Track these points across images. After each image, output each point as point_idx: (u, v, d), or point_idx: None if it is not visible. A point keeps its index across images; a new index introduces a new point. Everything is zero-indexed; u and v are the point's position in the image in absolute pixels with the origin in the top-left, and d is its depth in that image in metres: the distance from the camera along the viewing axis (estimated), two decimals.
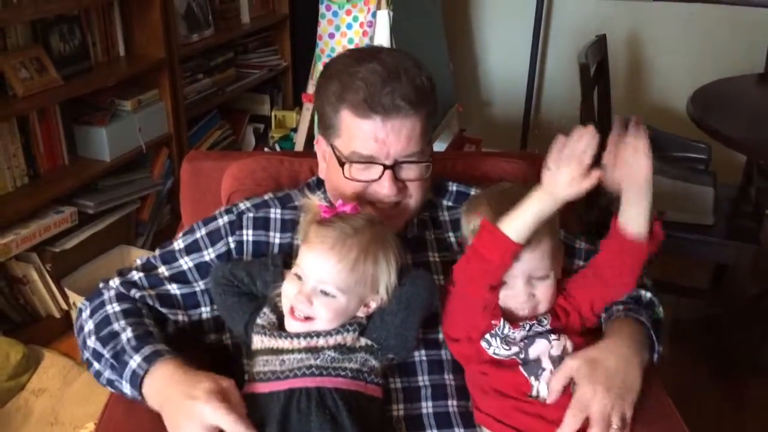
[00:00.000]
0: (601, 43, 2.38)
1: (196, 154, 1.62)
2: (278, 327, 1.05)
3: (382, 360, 1.05)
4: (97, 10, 2.45)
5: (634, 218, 1.02)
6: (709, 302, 2.56)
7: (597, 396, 1.01)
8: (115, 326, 1.09)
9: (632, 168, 0.98)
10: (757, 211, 2.31)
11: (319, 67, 2.62)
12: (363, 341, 1.03)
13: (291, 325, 1.04)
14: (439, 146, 2.89)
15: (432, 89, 1.16)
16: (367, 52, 1.17)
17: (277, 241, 1.20)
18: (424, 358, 1.12)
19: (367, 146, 1.11)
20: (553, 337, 1.06)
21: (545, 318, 1.07)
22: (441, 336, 1.13)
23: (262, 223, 1.21)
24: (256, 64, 3.24)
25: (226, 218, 1.22)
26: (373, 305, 1.05)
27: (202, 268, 1.18)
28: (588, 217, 2.21)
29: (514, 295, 1.06)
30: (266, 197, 1.26)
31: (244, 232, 1.20)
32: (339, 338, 1.02)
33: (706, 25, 3.02)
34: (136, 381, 1.02)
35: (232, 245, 1.20)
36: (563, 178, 0.95)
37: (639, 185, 0.99)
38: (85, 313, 1.15)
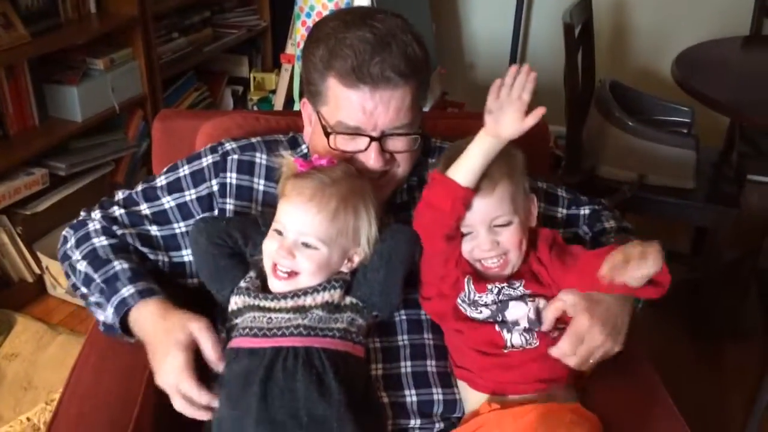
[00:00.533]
0: (586, 3, 2.33)
1: (168, 113, 1.58)
2: (261, 289, 1.04)
3: (368, 318, 1.03)
4: None
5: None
6: (690, 266, 2.57)
7: (593, 330, 1.01)
8: (104, 257, 1.10)
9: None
10: (738, 176, 2.31)
11: (297, 27, 2.56)
12: (348, 300, 1.02)
13: (274, 284, 1.02)
14: None
15: (425, 58, 1.10)
16: (358, 15, 1.10)
17: (261, 188, 1.18)
18: (404, 317, 1.11)
19: (354, 117, 1.06)
20: (530, 300, 1.04)
21: (518, 281, 1.05)
22: None
23: (246, 167, 1.19)
24: (233, 23, 3.16)
25: (210, 159, 1.21)
26: (356, 259, 1.04)
27: (183, 209, 1.18)
28: (570, 179, 2.19)
29: (478, 244, 1.04)
30: (254, 140, 1.24)
31: (228, 174, 1.19)
32: (326, 296, 1.00)
33: None
34: (122, 309, 1.04)
35: (215, 188, 1.19)
36: (506, 118, 0.96)
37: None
38: (71, 243, 1.16)
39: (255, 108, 3.06)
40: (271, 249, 1.02)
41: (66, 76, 2.35)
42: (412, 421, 1.05)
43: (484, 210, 1.02)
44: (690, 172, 2.13)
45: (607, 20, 3.07)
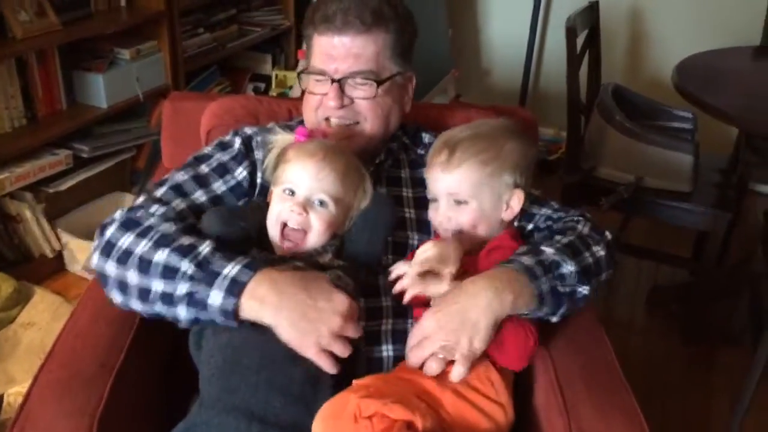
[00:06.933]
0: (592, 10, 2.39)
1: (179, 95, 1.68)
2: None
3: (354, 277, 1.07)
4: None
5: None
6: (690, 271, 2.60)
7: (428, 323, 1.02)
8: (184, 240, 1.00)
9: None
10: (741, 184, 2.34)
11: None
12: (336, 262, 1.07)
13: (280, 249, 1.07)
14: None
15: (398, 15, 1.21)
16: None
17: None
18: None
19: (321, 60, 1.20)
20: None
21: None
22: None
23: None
24: (258, 22, 3.27)
25: (238, 142, 1.24)
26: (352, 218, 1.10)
27: (236, 190, 1.20)
28: (569, 179, 2.24)
29: (436, 213, 1.14)
30: (269, 126, 1.30)
31: (255, 153, 1.23)
32: (317, 258, 1.06)
33: None
34: (233, 289, 0.95)
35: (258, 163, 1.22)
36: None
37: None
38: (129, 235, 1.02)
39: None
40: (280, 208, 1.06)
41: (94, 64, 2.47)
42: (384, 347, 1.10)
43: (446, 184, 1.11)
44: (686, 176, 2.16)
45: (619, 27, 3.13)
